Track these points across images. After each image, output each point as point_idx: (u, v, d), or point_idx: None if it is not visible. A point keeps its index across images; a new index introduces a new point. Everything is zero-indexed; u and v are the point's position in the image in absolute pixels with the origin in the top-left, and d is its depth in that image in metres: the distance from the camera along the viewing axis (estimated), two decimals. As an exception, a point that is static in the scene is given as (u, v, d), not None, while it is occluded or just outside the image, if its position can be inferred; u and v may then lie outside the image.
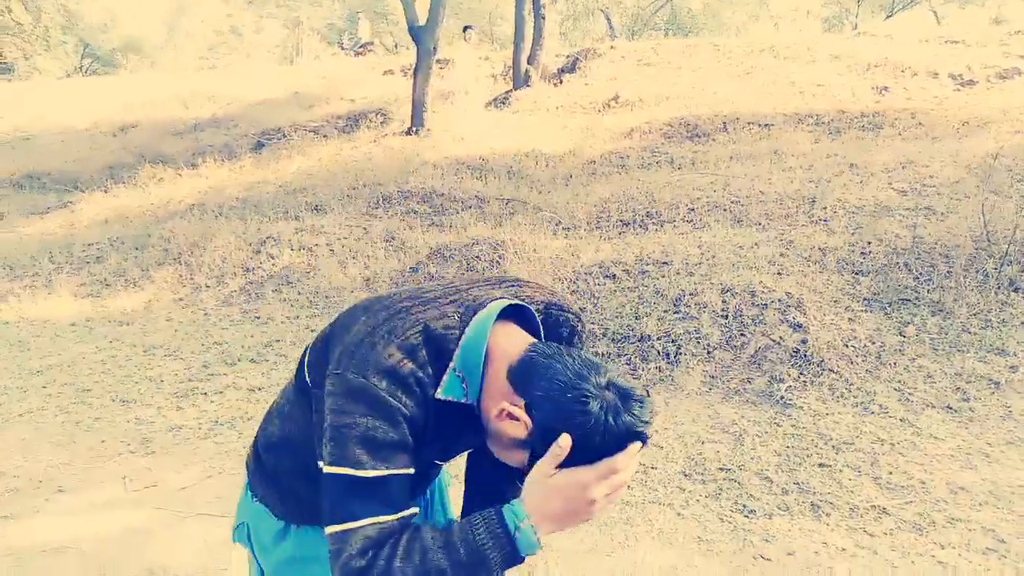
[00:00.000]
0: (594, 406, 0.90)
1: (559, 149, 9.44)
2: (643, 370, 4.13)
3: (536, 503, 0.91)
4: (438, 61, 16.55)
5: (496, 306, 1.02)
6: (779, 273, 4.71)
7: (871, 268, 4.69)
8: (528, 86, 12.29)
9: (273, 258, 6.34)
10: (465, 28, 15.27)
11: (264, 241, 6.67)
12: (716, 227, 5.74)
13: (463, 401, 1.00)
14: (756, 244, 5.20)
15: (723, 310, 4.31)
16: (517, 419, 0.94)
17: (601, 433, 0.90)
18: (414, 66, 10.87)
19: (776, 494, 2.87)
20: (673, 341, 4.23)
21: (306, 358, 1.09)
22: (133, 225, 7.80)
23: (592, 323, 4.66)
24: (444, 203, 7.53)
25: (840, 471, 3.00)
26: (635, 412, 0.92)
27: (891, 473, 2.97)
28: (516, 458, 0.99)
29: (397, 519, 0.93)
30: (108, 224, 8.02)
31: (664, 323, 4.39)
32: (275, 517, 1.19)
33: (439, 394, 0.98)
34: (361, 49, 19.60)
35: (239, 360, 4.54)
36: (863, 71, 10.19)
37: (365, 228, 6.80)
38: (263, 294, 5.84)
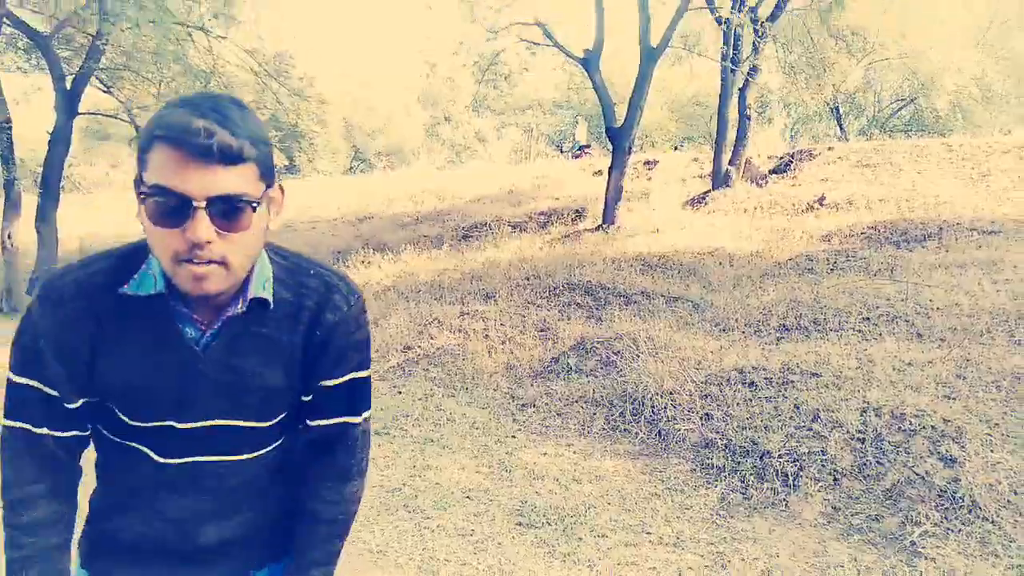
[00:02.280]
0: None
1: (744, 250, 9.02)
2: (756, 490, 3.68)
3: None
4: (646, 162, 16.86)
5: None
6: (946, 397, 3.99)
7: (1073, 402, 3.79)
8: (728, 186, 12.01)
9: (432, 338, 6.73)
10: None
11: (430, 322, 7.13)
12: (889, 339, 5.05)
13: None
14: (930, 361, 4.48)
15: (860, 431, 3.73)
16: None
17: None
18: (610, 165, 11.20)
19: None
20: (795, 461, 3.73)
21: None
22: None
23: (715, 432, 4.29)
24: (607, 296, 7.51)
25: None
26: None
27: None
28: None
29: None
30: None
31: (791, 440, 3.90)
32: None
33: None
34: (579, 152, 20.63)
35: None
36: None
37: (523, 316, 6.99)
38: (414, 372, 6.20)
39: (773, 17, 11.45)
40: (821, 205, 10.61)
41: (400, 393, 5.66)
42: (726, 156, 12.05)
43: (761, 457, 3.88)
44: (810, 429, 3.93)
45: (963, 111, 20.23)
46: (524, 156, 30.42)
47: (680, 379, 4.84)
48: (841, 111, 21.33)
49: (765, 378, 4.70)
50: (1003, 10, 21.13)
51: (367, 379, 1.22)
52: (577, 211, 12.53)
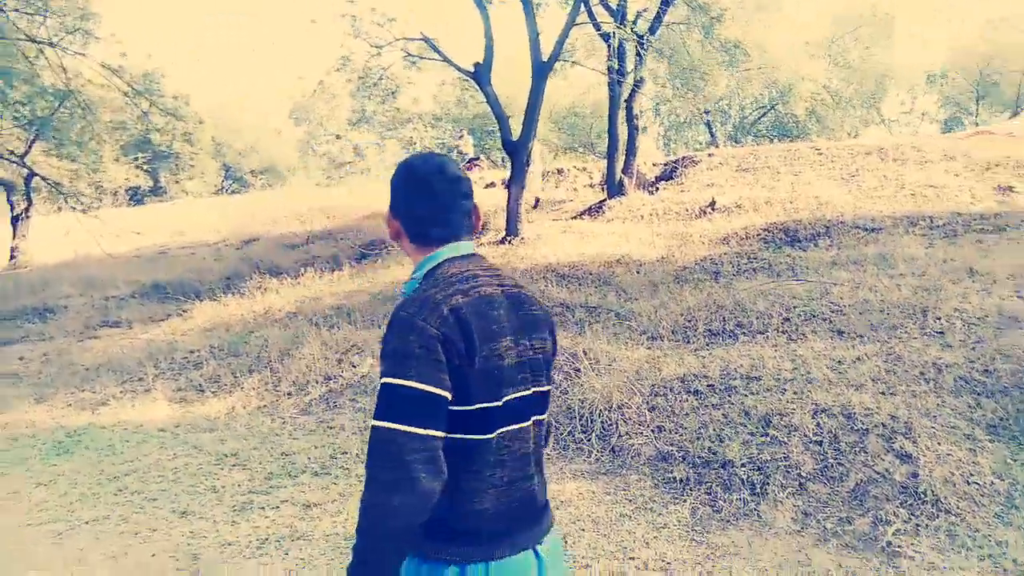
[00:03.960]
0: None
1: (650, 256, 9.24)
2: (725, 501, 3.68)
3: None
4: (543, 174, 17.00)
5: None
6: (884, 392, 4.19)
7: (995, 389, 4.08)
8: (623, 195, 12.30)
9: (354, 367, 6.38)
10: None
11: (348, 350, 6.76)
12: (814, 339, 5.27)
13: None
14: (858, 359, 4.70)
15: (816, 434, 3.83)
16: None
17: None
18: (508, 178, 11.16)
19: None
20: (759, 469, 3.77)
21: None
22: (233, 332, 8.17)
23: (670, 444, 4.28)
24: (528, 312, 7.43)
25: (960, 644, 2.46)
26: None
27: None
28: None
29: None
30: (212, 331, 8.45)
31: (750, 447, 3.95)
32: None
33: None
34: (468, 164, 20.55)
35: (302, 472, 4.46)
36: (983, 171, 9.50)
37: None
38: (340, 404, 5.84)
39: (652, 30, 11.86)
40: (713, 209, 11.07)
41: (331, 428, 5.29)
42: (618, 165, 12.34)
43: (723, 467, 3.90)
44: (766, 435, 4.00)
45: (817, 116, 21.94)
46: (407, 169, 29.85)
47: (625, 392, 4.82)
48: (711, 119, 22.54)
49: (708, 385, 4.77)
50: (843, 25, 23.15)
51: (382, 385, 1.25)
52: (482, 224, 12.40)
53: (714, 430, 4.24)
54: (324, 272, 10.48)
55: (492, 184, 16.79)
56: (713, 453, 4.08)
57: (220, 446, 5.08)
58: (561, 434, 4.73)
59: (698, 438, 4.23)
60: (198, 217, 19.08)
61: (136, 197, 26.81)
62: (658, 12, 11.70)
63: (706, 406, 4.55)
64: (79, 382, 7.14)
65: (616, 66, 11.62)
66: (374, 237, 13.03)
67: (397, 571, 1.24)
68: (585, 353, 5.72)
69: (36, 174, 13.12)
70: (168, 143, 11.16)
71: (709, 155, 14.45)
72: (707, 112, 22.64)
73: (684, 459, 4.11)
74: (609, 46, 11.64)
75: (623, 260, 9.14)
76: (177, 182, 30.47)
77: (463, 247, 1.42)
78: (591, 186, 15.52)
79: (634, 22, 11.93)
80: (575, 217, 12.49)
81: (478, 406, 1.28)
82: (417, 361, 1.22)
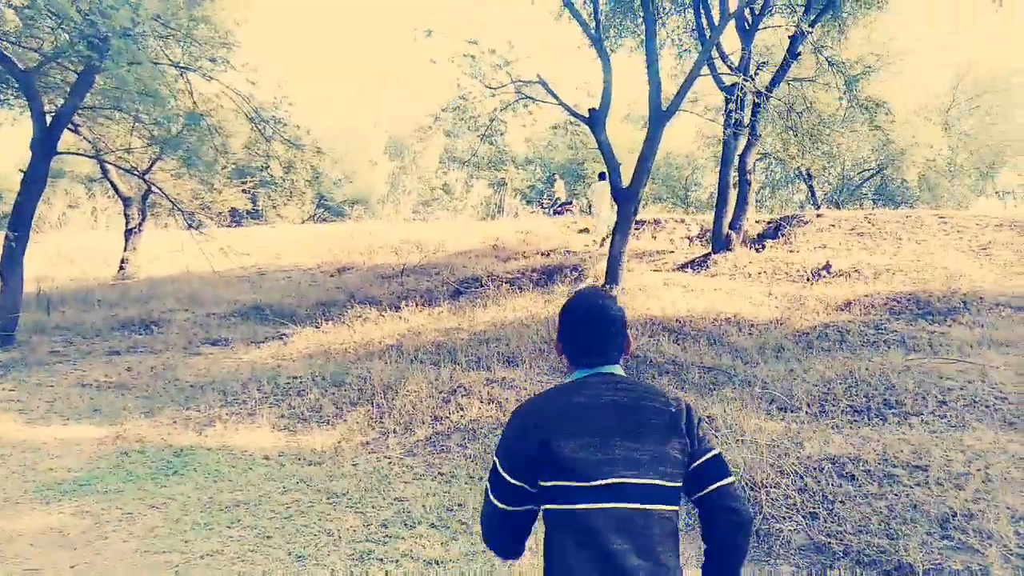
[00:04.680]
0: None
1: (763, 317, 8.76)
2: (903, 611, 3.21)
3: None
4: (637, 222, 16.73)
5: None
6: (1089, 502, 3.63)
7: None
8: (729, 250, 11.86)
9: (462, 409, 6.15)
10: (601, 175, 15.32)
11: (455, 390, 6.55)
12: (980, 428, 4.72)
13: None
14: (1044, 457, 4.14)
15: (1020, 546, 3.32)
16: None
17: None
18: (614, 225, 10.92)
19: None
20: (946, 578, 3.29)
21: None
22: (335, 361, 8.12)
23: (826, 535, 3.82)
24: (639, 366, 7.07)
25: None
26: None
27: None
28: None
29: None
30: (313, 358, 8.43)
31: (931, 551, 3.46)
32: None
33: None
34: (560, 208, 20.44)
35: (419, 523, 4.21)
36: None
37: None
38: (448, 447, 5.60)
39: (774, 83, 11.52)
40: (828, 272, 10.49)
41: (441, 474, 5.04)
42: (726, 220, 11.92)
43: (899, 568, 3.42)
44: (949, 538, 3.50)
45: (929, 184, 20.90)
46: (495, 210, 30.28)
47: (766, 469, 4.39)
48: (813, 178, 21.80)
49: (864, 471, 4.29)
50: (964, 91, 22.15)
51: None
52: (575, 269, 12.16)
53: (879, 524, 3.77)
54: (423, 307, 10.40)
55: (585, 230, 16.59)
56: (882, 552, 3.61)
57: (330, 483, 4.90)
58: (691, 510, 4.33)
59: (862, 531, 3.76)
60: (293, 242, 19.60)
61: (235, 218, 27.93)
62: (782, 65, 11.37)
63: (864, 495, 4.08)
64: (184, 399, 7.17)
65: (734, 118, 11.30)
66: (468, 274, 12.97)
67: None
68: (710, 420, 5.32)
69: (155, 190, 13.75)
70: (283, 170, 11.39)
71: (818, 215, 13.85)
72: (809, 173, 21.94)
73: (846, 554, 3.65)
74: (728, 99, 11.35)
75: (734, 319, 8.69)
76: (274, 207, 31.63)
77: (605, 368, 1.76)
78: (688, 239, 15.12)
79: (754, 74, 11.62)
80: (677, 269, 12.10)
81: (552, 483, 1.63)
82: (505, 445, 1.72)
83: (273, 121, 9.72)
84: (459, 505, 4.42)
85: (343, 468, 5.27)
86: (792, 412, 5.50)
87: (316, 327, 9.88)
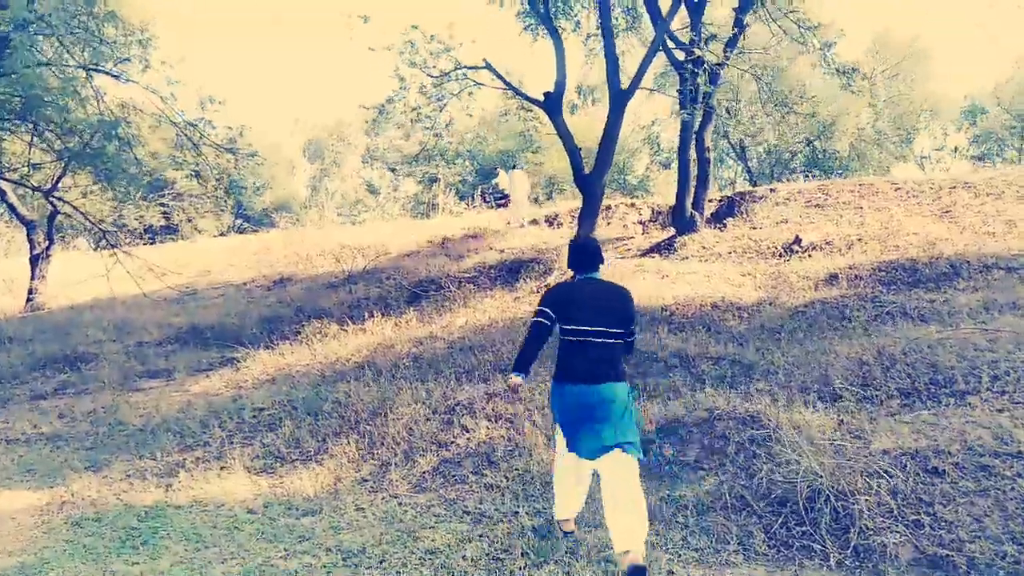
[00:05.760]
0: None
1: (750, 298, 8.41)
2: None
3: None
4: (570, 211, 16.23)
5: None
6: None
7: None
8: (694, 231, 11.53)
9: (468, 431, 5.46)
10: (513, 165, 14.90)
11: (453, 409, 5.84)
12: (1050, 403, 4.39)
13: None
14: None
15: None
16: None
17: None
18: (580, 213, 10.39)
19: None
20: (1108, 588, 2.86)
21: None
22: (302, 386, 7.25)
23: (938, 545, 3.36)
24: (645, 363, 6.55)
25: None
26: None
27: None
28: None
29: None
30: (276, 384, 7.53)
31: (1073, 554, 3.04)
32: None
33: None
34: (503, 200, 19.77)
35: (464, 580, 3.51)
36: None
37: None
38: (463, 477, 4.90)
39: (729, 45, 11.19)
40: (799, 246, 10.28)
41: (468, 513, 4.34)
42: (688, 199, 11.57)
43: (1044, 582, 2.98)
44: (1091, 537, 3.08)
45: (859, 153, 21.35)
46: (429, 207, 29.36)
47: (845, 472, 3.91)
48: (747, 153, 21.96)
49: (952, 463, 3.86)
50: (881, 60, 22.73)
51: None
52: (537, 263, 11.57)
53: (996, 527, 3.33)
54: (386, 316, 9.59)
55: (535, 222, 15.99)
56: (1004, 557, 3.17)
57: (337, 537, 4.13)
58: (769, 527, 3.80)
59: (979, 537, 3.31)
60: (220, 256, 18.26)
61: (150, 235, 26.04)
62: (733, 34, 11.03)
63: (963, 492, 3.64)
64: (135, 447, 6.19)
65: (690, 94, 10.90)
66: (422, 277, 12.18)
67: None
68: (753, 420, 4.83)
69: (60, 212, 12.34)
70: (216, 179, 10.30)
71: (771, 190, 13.71)
72: (744, 148, 22.07)
73: (971, 567, 3.19)
74: (681, 75, 10.96)
75: (722, 303, 8.30)
76: (189, 220, 29.72)
77: (591, 274, 3.70)
78: (642, 223, 14.76)
79: (704, 45, 11.24)
80: (643, 255, 11.68)
81: (564, 323, 3.56)
82: (546, 298, 3.64)
83: (202, 124, 8.67)
84: (506, 551, 3.74)
85: (347, 515, 4.50)
86: (833, 401, 5.07)
87: (269, 348, 8.93)
